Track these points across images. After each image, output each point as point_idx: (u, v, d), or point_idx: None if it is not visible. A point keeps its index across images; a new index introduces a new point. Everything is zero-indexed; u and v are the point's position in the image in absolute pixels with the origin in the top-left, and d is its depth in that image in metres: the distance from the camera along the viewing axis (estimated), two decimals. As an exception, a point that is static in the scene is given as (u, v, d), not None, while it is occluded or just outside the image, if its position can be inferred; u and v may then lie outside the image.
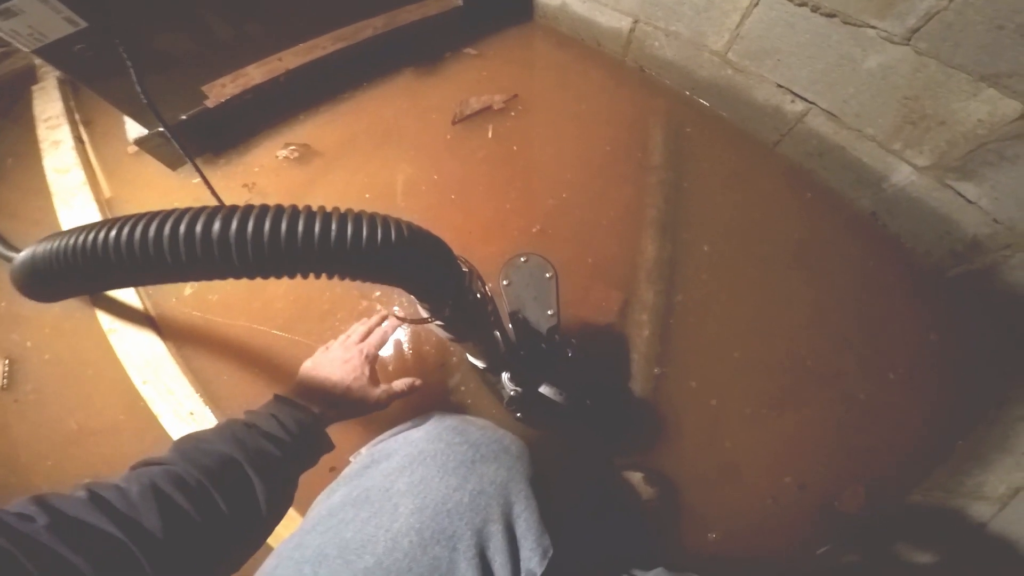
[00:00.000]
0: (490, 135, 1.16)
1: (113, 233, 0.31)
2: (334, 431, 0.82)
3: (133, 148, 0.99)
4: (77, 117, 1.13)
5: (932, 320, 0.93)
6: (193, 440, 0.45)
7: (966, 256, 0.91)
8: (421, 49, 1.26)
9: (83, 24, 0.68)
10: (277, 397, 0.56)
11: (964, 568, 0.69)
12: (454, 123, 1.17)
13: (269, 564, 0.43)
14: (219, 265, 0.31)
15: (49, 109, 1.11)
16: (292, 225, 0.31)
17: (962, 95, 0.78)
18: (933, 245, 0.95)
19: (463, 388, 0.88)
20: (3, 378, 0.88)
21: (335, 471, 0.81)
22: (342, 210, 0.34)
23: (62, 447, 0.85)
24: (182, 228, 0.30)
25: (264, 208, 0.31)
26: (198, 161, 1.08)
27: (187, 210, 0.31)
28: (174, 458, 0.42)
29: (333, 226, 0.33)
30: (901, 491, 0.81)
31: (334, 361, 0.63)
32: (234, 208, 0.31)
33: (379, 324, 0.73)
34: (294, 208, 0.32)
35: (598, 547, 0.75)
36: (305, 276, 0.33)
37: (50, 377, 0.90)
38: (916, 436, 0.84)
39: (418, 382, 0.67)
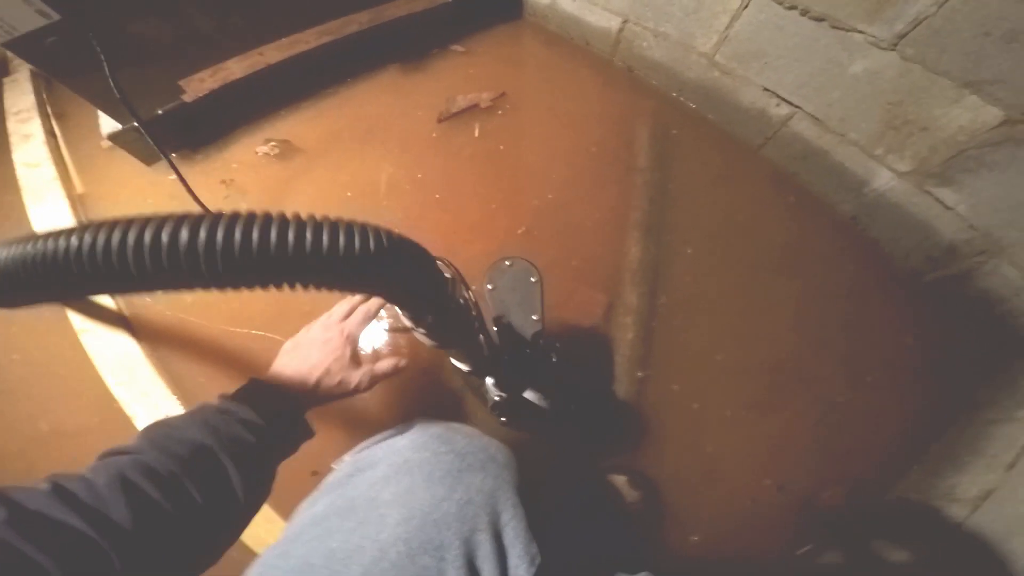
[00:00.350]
0: (477, 134, 1.15)
1: (73, 241, 0.29)
2: (319, 435, 0.82)
3: (107, 143, 0.96)
4: (49, 110, 1.09)
5: (909, 324, 0.94)
6: (163, 427, 0.43)
7: (942, 261, 0.92)
8: (407, 45, 1.24)
9: (56, 17, 0.65)
10: (253, 381, 0.52)
11: (941, 568, 0.71)
12: (440, 121, 1.16)
13: (253, 573, 0.42)
14: (187, 276, 0.29)
15: (20, 102, 1.07)
16: (264, 233, 0.30)
17: (945, 101, 0.79)
18: (911, 250, 0.97)
19: (448, 391, 0.87)
20: (-32, 380, 0.85)
21: (317, 475, 0.81)
22: (318, 217, 0.33)
23: (33, 448, 0.82)
24: (147, 236, 0.29)
25: (234, 216, 0.30)
26: (175, 156, 1.05)
27: (153, 218, 0.30)
28: (143, 446, 0.40)
29: (308, 234, 0.31)
30: (878, 492, 0.82)
31: (314, 342, 0.60)
32: (203, 216, 0.30)
33: (363, 302, 0.69)
34: (267, 215, 0.31)
35: (584, 550, 0.75)
36: (280, 287, 0.32)
37: (20, 377, 0.87)
38: (892, 438, 0.86)
39: (403, 362, 0.63)
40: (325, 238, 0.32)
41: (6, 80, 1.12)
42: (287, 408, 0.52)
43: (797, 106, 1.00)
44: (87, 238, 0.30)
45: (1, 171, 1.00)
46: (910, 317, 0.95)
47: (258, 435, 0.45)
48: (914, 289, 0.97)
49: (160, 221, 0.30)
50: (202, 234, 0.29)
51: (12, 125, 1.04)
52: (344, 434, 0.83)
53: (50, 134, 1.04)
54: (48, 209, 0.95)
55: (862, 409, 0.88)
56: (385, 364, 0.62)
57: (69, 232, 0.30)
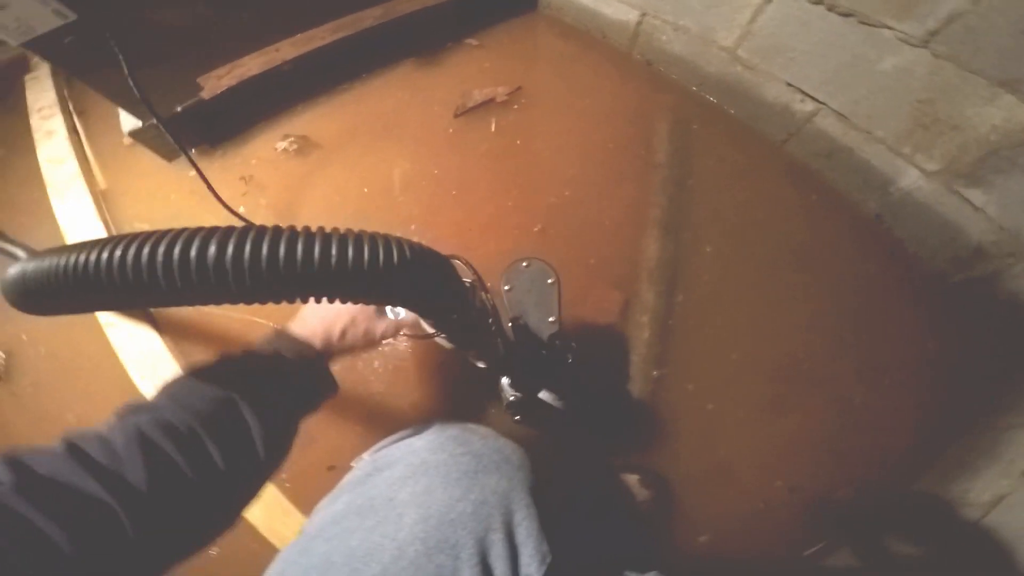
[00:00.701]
0: (493, 129, 1.14)
1: (105, 255, 0.30)
2: (336, 430, 0.83)
3: (128, 140, 0.97)
4: (71, 107, 1.10)
5: (931, 327, 0.92)
6: (185, 380, 0.42)
7: (969, 263, 0.90)
8: (422, 40, 1.23)
9: (72, 16, 0.65)
10: (276, 331, 0.51)
11: (949, 571, 0.71)
12: (456, 116, 1.15)
13: (274, 569, 0.43)
14: (215, 291, 0.30)
15: (42, 99, 1.09)
16: (291, 249, 0.30)
17: (978, 100, 0.76)
18: (937, 251, 0.94)
19: (464, 387, 0.87)
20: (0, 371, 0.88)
21: (334, 470, 0.82)
22: (342, 231, 0.33)
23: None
24: (176, 251, 0.29)
25: (261, 231, 0.30)
26: (195, 152, 1.07)
27: (180, 232, 0.30)
28: (164, 402, 0.38)
29: (333, 249, 0.32)
30: (890, 495, 0.82)
31: None
32: (230, 231, 0.30)
33: None
34: (292, 230, 0.31)
35: (594, 547, 0.76)
36: (305, 300, 0.33)
37: (47, 371, 0.90)
38: (908, 441, 0.85)
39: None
40: (350, 252, 0.32)
41: (28, 78, 1.13)
42: (312, 357, 0.50)
43: (822, 102, 0.97)
44: (116, 252, 0.30)
45: (26, 167, 1.02)
46: (932, 319, 0.93)
47: (282, 386, 0.44)
48: (938, 291, 0.95)
49: (189, 235, 0.30)
50: (230, 249, 0.29)
51: (35, 122, 1.06)
52: (362, 428, 0.84)
53: (72, 130, 1.05)
54: (71, 205, 0.96)
55: (878, 411, 0.86)
56: (404, 319, 0.59)
57: (102, 244, 0.31)
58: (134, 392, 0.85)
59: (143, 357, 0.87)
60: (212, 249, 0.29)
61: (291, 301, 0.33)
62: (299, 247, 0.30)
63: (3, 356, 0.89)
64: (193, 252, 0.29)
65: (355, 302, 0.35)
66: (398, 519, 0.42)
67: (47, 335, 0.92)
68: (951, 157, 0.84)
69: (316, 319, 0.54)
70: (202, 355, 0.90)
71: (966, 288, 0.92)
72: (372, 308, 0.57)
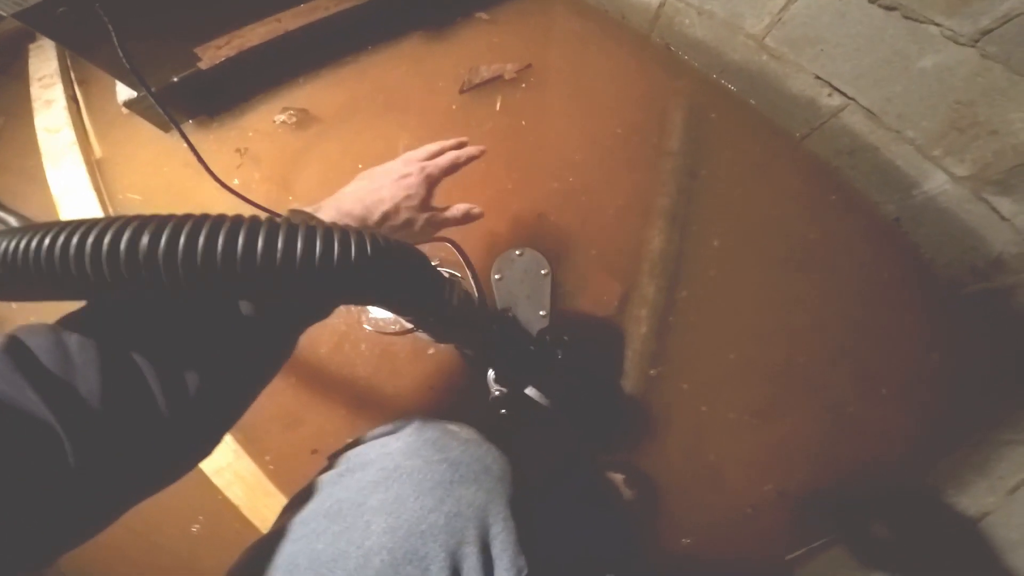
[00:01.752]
0: (498, 107, 1.09)
1: (29, 242, 0.27)
2: (320, 414, 0.82)
3: (125, 110, 0.95)
4: (73, 76, 1.09)
5: (935, 338, 0.89)
6: None
7: (987, 274, 0.86)
8: (430, 12, 1.18)
9: (63, -13, 0.63)
10: (298, 211, 0.42)
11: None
12: (462, 92, 1.11)
13: (239, 565, 0.42)
14: (146, 285, 0.27)
15: (44, 68, 1.08)
16: (230, 240, 0.27)
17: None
18: (954, 259, 0.90)
19: (453, 376, 0.85)
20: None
21: (317, 454, 0.82)
22: (309, 222, 0.30)
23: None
24: (106, 240, 0.26)
25: (199, 220, 0.27)
26: (192, 123, 1.04)
27: (114, 220, 0.27)
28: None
29: (298, 243, 0.29)
30: (877, 503, 0.81)
31: (389, 173, 0.53)
32: (166, 220, 0.27)
33: (455, 147, 0.61)
34: (236, 219, 0.28)
35: (577, 547, 0.75)
36: (251, 299, 0.30)
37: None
38: (900, 451, 0.83)
39: (477, 210, 0.56)
40: (300, 246, 0.29)
41: (32, 46, 1.12)
42: None
43: (851, 98, 0.91)
44: (44, 239, 0.28)
45: (24, 136, 1.02)
46: (938, 331, 0.89)
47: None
48: (948, 301, 0.91)
49: (123, 223, 0.28)
50: (162, 240, 0.27)
51: (35, 91, 1.05)
52: (347, 411, 0.83)
53: (72, 99, 1.04)
54: (65, 173, 0.95)
55: (872, 420, 0.84)
56: (458, 209, 0.55)
57: (32, 231, 0.28)
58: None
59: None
60: (145, 239, 0.27)
61: (239, 299, 0.30)
62: (240, 239, 0.27)
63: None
64: (123, 243, 0.26)
65: (314, 303, 0.32)
66: (366, 527, 0.40)
67: (34, 307, 0.91)
68: (984, 163, 0.79)
69: (355, 197, 0.49)
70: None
71: (978, 300, 0.88)
72: (419, 200, 0.52)
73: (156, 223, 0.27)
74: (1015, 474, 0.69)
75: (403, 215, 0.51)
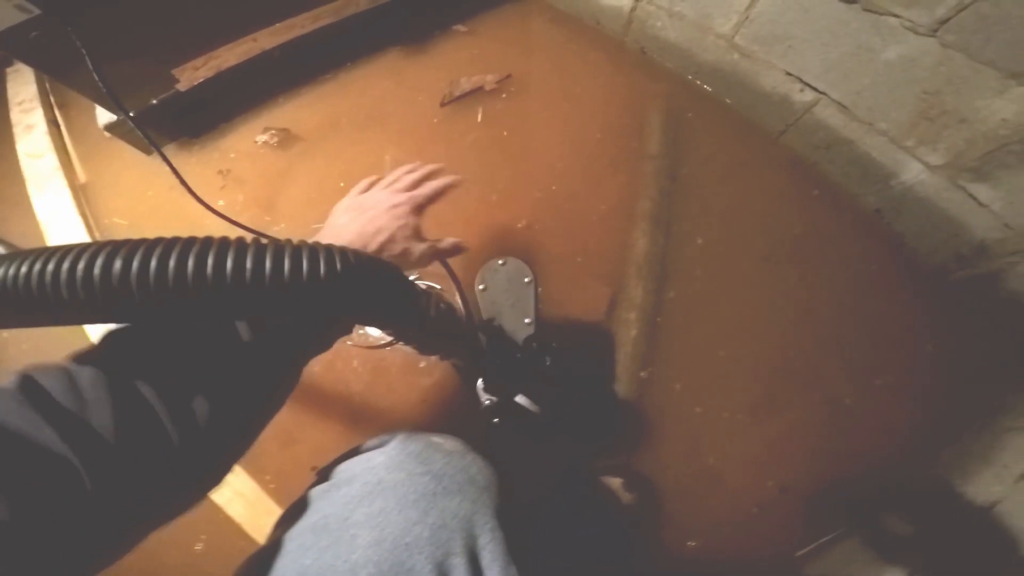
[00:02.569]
0: (480, 119, 1.10)
1: (7, 271, 0.27)
2: (320, 430, 0.82)
3: (107, 134, 0.95)
4: (52, 100, 1.09)
5: (928, 324, 0.89)
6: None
7: (972, 260, 0.87)
8: (408, 27, 1.19)
9: (36, 11, 0.63)
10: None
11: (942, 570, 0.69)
12: (443, 104, 1.12)
13: None
14: (122, 309, 0.27)
15: (23, 92, 1.08)
16: (199, 262, 0.28)
17: (988, 92, 0.72)
18: (938, 247, 0.91)
19: (444, 389, 0.85)
20: (-21, 369, 0.88)
21: (316, 470, 0.81)
22: (278, 240, 0.31)
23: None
24: (80, 267, 0.27)
25: (169, 243, 0.28)
26: (174, 145, 1.05)
27: (86, 247, 0.28)
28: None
29: (267, 260, 0.29)
30: (882, 497, 0.80)
31: (380, 203, 0.53)
32: (137, 245, 0.28)
33: (433, 175, 0.61)
34: (204, 240, 0.29)
35: (574, 554, 0.75)
36: (222, 319, 0.30)
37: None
38: (901, 442, 0.83)
39: (465, 243, 0.57)
40: (268, 264, 0.29)
41: (9, 70, 1.12)
42: None
43: (822, 92, 0.93)
44: (22, 267, 0.28)
45: (5, 162, 1.01)
46: (930, 318, 0.90)
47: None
48: (938, 288, 0.92)
49: (96, 248, 0.28)
50: (135, 264, 0.27)
51: (15, 115, 1.05)
52: (343, 428, 0.83)
53: (52, 123, 1.04)
54: (51, 199, 0.95)
55: (871, 412, 0.84)
56: (448, 242, 0.56)
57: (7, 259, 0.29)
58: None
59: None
60: (117, 264, 0.27)
61: (209, 320, 0.31)
62: (209, 259, 0.28)
63: (-16, 354, 0.89)
64: (96, 269, 0.27)
65: (284, 319, 0.33)
66: (351, 540, 0.40)
67: (29, 331, 0.91)
68: (957, 151, 0.80)
69: (351, 230, 0.49)
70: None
71: (967, 286, 0.89)
72: (412, 229, 0.52)
73: (128, 248, 0.27)
74: (1020, 462, 0.69)
75: (400, 244, 0.51)
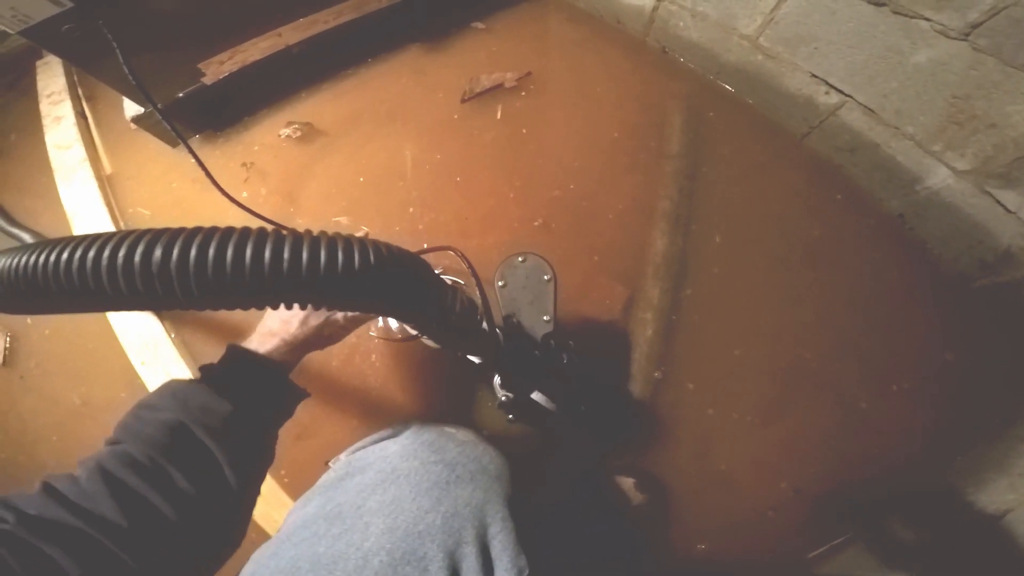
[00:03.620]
0: (499, 116, 1.10)
1: (45, 257, 0.28)
2: (334, 424, 0.83)
3: (133, 125, 0.97)
4: (80, 92, 1.11)
5: (948, 334, 0.88)
6: (135, 411, 0.41)
7: (996, 268, 0.86)
8: (427, 23, 1.20)
9: (68, 4, 0.64)
10: (230, 346, 0.48)
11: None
12: (463, 101, 1.12)
13: (247, 570, 0.43)
14: (161, 298, 0.28)
15: (52, 84, 1.10)
16: (247, 250, 0.28)
17: (1020, 98, 0.71)
18: (962, 253, 0.90)
19: (459, 383, 0.86)
20: (4, 353, 0.90)
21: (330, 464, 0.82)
22: (314, 233, 0.31)
23: (66, 422, 0.87)
24: (121, 254, 0.27)
25: (208, 233, 0.28)
26: (199, 138, 1.06)
27: (127, 234, 0.28)
28: (120, 435, 0.39)
29: (304, 253, 0.30)
30: (896, 501, 0.80)
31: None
32: (177, 233, 0.28)
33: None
34: (244, 231, 0.29)
35: (584, 552, 0.75)
36: (259, 307, 0.31)
37: (52, 352, 0.92)
38: (915, 448, 0.82)
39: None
40: (304, 256, 0.30)
41: (39, 63, 1.14)
42: (268, 365, 0.48)
43: (848, 95, 0.92)
44: (62, 254, 0.28)
45: (34, 152, 1.04)
46: (949, 325, 0.89)
47: (235, 401, 0.42)
48: (958, 295, 0.90)
49: (135, 237, 0.28)
50: (174, 253, 0.28)
51: (44, 107, 1.07)
52: (358, 423, 0.84)
53: (80, 116, 1.06)
54: (77, 189, 0.97)
55: (886, 417, 0.83)
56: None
57: (48, 247, 0.29)
58: (135, 375, 0.86)
59: (144, 344, 0.88)
60: (157, 252, 0.28)
61: (245, 308, 0.31)
62: (248, 251, 0.28)
63: (8, 338, 0.91)
64: (137, 256, 0.28)
65: (320, 308, 0.33)
66: (365, 528, 0.41)
67: (50, 317, 0.93)
68: (985, 156, 0.79)
69: (271, 320, 0.53)
70: (202, 343, 0.90)
71: (989, 294, 0.88)
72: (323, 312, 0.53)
73: (168, 236, 0.28)
74: (1036, 471, 0.68)
75: (318, 317, 0.52)
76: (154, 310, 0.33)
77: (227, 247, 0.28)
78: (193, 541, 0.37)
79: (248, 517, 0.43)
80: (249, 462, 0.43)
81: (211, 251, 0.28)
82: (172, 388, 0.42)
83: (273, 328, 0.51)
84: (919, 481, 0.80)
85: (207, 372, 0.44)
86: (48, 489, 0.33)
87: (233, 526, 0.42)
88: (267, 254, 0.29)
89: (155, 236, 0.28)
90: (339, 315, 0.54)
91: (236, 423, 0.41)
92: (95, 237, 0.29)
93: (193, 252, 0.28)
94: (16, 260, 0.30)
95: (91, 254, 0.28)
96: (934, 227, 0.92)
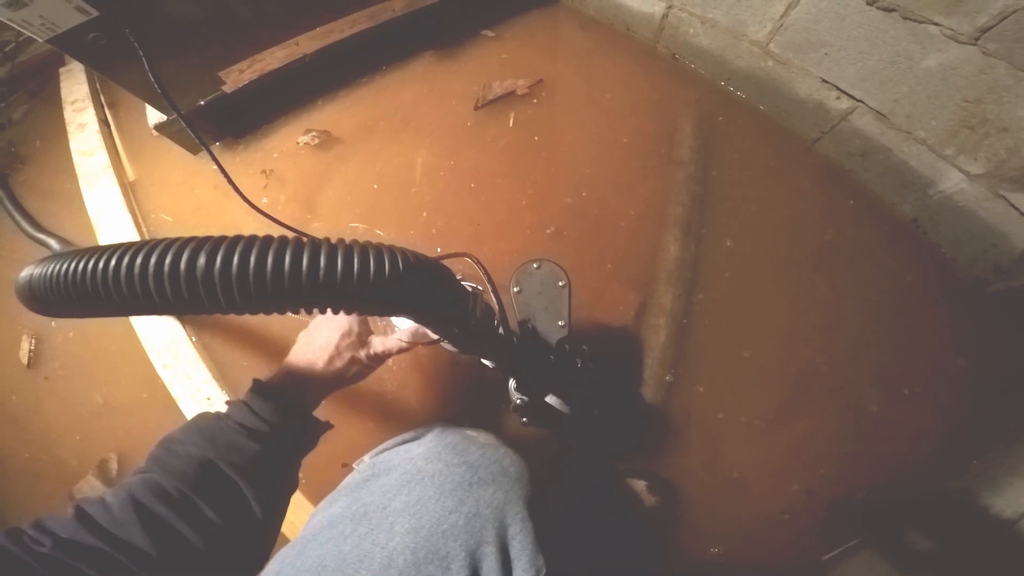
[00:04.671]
0: (511, 123, 1.12)
1: (101, 263, 0.30)
2: (351, 427, 0.84)
3: (155, 132, 1.00)
4: (103, 99, 1.14)
5: (961, 338, 0.88)
6: (165, 443, 0.43)
7: (1011, 271, 0.85)
8: (439, 32, 1.22)
9: (94, 13, 0.67)
10: (255, 382, 0.50)
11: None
12: (476, 108, 1.13)
13: (271, 568, 0.44)
14: (206, 303, 0.30)
15: (75, 92, 1.12)
16: (278, 260, 0.30)
17: (1031, 101, 0.71)
18: (976, 258, 0.89)
19: (476, 387, 0.87)
20: (29, 355, 0.92)
21: (348, 468, 0.83)
22: (347, 241, 0.33)
23: (89, 421, 0.89)
24: (167, 263, 0.29)
25: (249, 242, 0.30)
26: (219, 145, 1.09)
27: (174, 242, 0.30)
28: (150, 465, 0.41)
29: (339, 260, 0.31)
30: (911, 505, 0.80)
31: (321, 323, 0.57)
32: (220, 241, 0.30)
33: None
34: (281, 240, 0.31)
35: (597, 553, 0.75)
36: (296, 312, 0.32)
37: (76, 354, 0.94)
38: (928, 452, 0.82)
39: (406, 344, 0.58)
40: (340, 263, 0.31)
41: (62, 70, 1.17)
42: (293, 405, 0.49)
43: (859, 100, 0.92)
44: (110, 261, 0.30)
45: (59, 159, 1.06)
46: (963, 330, 0.88)
47: (262, 441, 0.44)
48: (973, 300, 0.90)
49: (180, 245, 0.30)
50: (218, 261, 0.29)
51: (68, 114, 1.10)
52: (375, 426, 0.85)
53: (103, 123, 1.09)
54: (101, 195, 1.00)
55: (898, 420, 0.83)
56: (392, 342, 0.58)
57: (99, 253, 0.31)
58: (156, 377, 0.88)
59: (166, 347, 0.90)
60: (201, 260, 0.29)
61: (281, 312, 0.33)
62: (286, 259, 0.30)
63: (33, 341, 0.93)
64: (183, 263, 0.29)
65: (351, 312, 0.35)
66: (390, 528, 0.42)
67: (75, 320, 0.95)
68: (998, 160, 0.79)
69: (298, 357, 0.54)
70: (222, 347, 0.92)
71: (1004, 298, 0.87)
72: (356, 335, 0.56)
73: (212, 244, 0.29)
74: (1053, 475, 0.68)
75: (345, 355, 0.54)
76: (196, 314, 0.34)
77: (267, 256, 0.30)
78: (219, 568, 0.39)
79: (273, 542, 0.46)
80: (274, 493, 0.45)
81: (252, 259, 0.29)
82: (200, 425, 0.44)
83: (300, 366, 0.53)
84: (934, 485, 0.80)
85: (234, 408, 0.46)
86: (80, 514, 0.35)
87: (259, 552, 0.44)
88: (304, 262, 0.30)
89: (199, 244, 0.30)
90: (362, 355, 0.56)
91: (262, 460, 0.44)
92: (141, 244, 0.30)
93: (236, 260, 0.29)
94: (63, 266, 0.31)
95: (138, 261, 0.29)
96: (948, 231, 0.92)
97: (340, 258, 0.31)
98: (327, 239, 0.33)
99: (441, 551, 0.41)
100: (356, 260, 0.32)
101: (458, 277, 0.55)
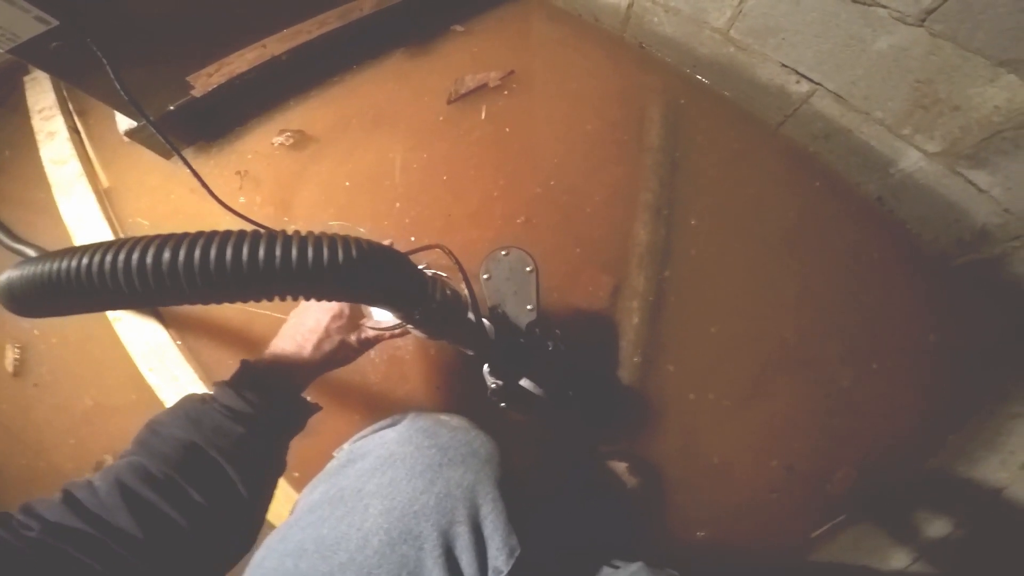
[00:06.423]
0: (483, 116, 1.13)
1: (74, 263, 0.31)
2: (341, 418, 0.86)
3: (127, 139, 1.00)
4: (71, 107, 1.12)
5: (930, 310, 0.91)
6: (151, 426, 0.43)
7: (974, 245, 0.88)
8: (408, 29, 1.22)
9: (55, 22, 0.66)
10: (243, 363, 0.50)
11: (948, 556, 0.71)
12: (449, 102, 1.14)
13: (258, 555, 0.46)
14: (173, 294, 0.31)
15: (42, 100, 1.10)
16: (236, 252, 0.31)
17: (979, 80, 0.74)
18: (940, 233, 0.92)
19: (457, 375, 0.89)
20: (14, 363, 0.92)
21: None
22: (302, 232, 0.35)
23: (81, 424, 0.90)
24: (134, 258, 0.30)
25: (210, 236, 0.32)
26: (192, 149, 1.09)
27: (140, 240, 0.32)
28: (136, 449, 0.41)
29: (293, 250, 0.33)
30: (890, 478, 0.82)
31: (310, 305, 0.57)
32: (183, 237, 0.31)
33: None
34: (240, 234, 0.33)
35: (579, 534, 0.77)
36: (258, 300, 0.34)
37: (62, 359, 0.94)
38: (905, 426, 0.84)
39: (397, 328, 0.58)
40: (294, 252, 0.33)
41: (27, 79, 1.14)
42: (280, 387, 0.49)
43: (818, 83, 0.94)
44: (83, 260, 0.32)
45: (30, 168, 1.05)
46: (932, 304, 0.91)
47: (247, 424, 0.44)
48: (940, 274, 0.93)
49: (146, 242, 0.32)
50: (181, 255, 0.31)
51: (37, 123, 1.08)
52: (360, 417, 0.87)
53: (73, 130, 1.08)
54: (76, 203, 1.00)
55: (869, 396, 0.86)
56: (376, 331, 0.58)
57: (71, 253, 0.33)
58: (143, 380, 0.89)
59: (151, 351, 0.91)
60: (166, 255, 0.31)
61: (245, 301, 0.34)
62: (244, 250, 0.31)
63: (19, 350, 0.94)
64: (148, 258, 0.31)
65: (315, 299, 0.36)
66: (364, 510, 0.44)
67: (57, 326, 0.96)
68: (953, 138, 0.82)
69: (287, 338, 0.55)
70: (207, 348, 0.93)
71: (969, 271, 0.91)
72: (346, 318, 0.56)
73: (175, 240, 0.31)
74: (1025, 448, 0.70)
75: (335, 337, 0.55)
76: (166, 305, 0.35)
77: (226, 248, 0.32)
78: (207, 550, 0.40)
79: (260, 524, 0.46)
80: (261, 476, 0.46)
81: (212, 252, 0.31)
82: (186, 407, 0.44)
83: (288, 348, 0.53)
84: (913, 460, 0.82)
85: (220, 390, 0.46)
86: (67, 498, 0.35)
87: (246, 534, 0.44)
88: (261, 252, 0.32)
89: (163, 241, 0.31)
90: (352, 338, 0.57)
91: (248, 443, 0.44)
92: (124, 242, 0.32)
93: (197, 253, 0.31)
94: (42, 266, 0.33)
95: (108, 258, 0.31)
96: (911, 209, 0.95)
97: (295, 247, 0.33)
98: (283, 231, 0.35)
99: (414, 531, 0.42)
100: (310, 248, 0.34)
101: (423, 265, 0.56)
